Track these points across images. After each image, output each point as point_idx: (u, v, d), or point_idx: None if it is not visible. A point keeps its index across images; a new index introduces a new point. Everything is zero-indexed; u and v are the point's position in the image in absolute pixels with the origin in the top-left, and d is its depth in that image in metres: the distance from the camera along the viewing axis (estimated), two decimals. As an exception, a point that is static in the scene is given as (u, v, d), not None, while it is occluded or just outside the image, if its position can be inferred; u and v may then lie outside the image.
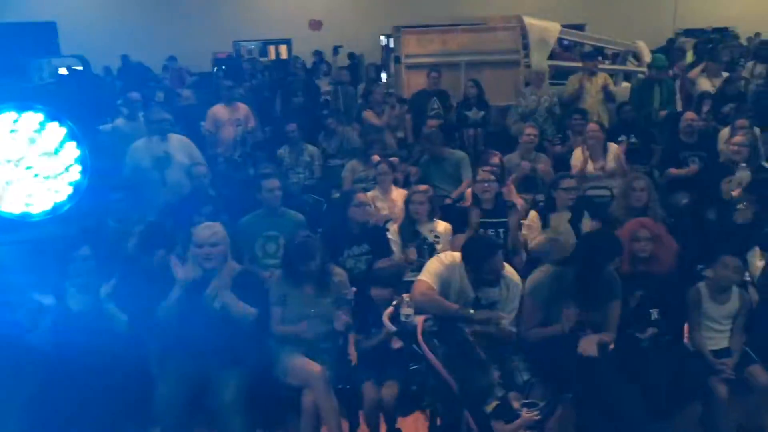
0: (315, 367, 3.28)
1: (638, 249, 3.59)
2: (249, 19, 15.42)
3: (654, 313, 3.47)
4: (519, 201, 5.03)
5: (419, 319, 3.22)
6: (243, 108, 6.93)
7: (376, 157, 5.47)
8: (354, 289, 3.70)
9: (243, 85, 9.40)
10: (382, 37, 14.56)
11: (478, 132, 7.24)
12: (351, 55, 13.89)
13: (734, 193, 4.56)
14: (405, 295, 3.26)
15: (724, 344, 3.42)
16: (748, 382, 3.29)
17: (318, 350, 3.44)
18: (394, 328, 3.21)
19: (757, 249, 4.02)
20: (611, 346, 3.43)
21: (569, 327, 3.18)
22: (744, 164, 5.02)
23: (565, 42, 11.60)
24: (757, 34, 14.27)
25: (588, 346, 3.12)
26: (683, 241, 3.82)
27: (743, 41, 14.22)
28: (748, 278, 3.92)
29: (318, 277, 3.47)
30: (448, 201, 5.51)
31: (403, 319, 3.22)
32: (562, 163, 6.11)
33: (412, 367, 3.39)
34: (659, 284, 3.55)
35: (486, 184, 4.48)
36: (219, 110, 6.78)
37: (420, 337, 3.15)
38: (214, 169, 5.81)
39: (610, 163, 5.71)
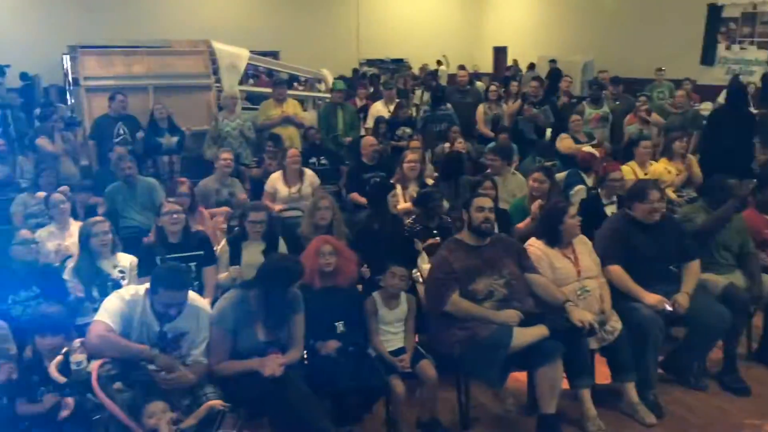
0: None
1: (323, 264, 3.76)
2: None
3: (340, 326, 3.66)
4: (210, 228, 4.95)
5: (94, 365, 2.96)
6: None
7: (41, 194, 4.94)
8: None
9: None
10: (66, 57, 13.33)
11: (174, 159, 7.02)
12: (23, 76, 12.28)
13: (400, 207, 5.08)
14: (76, 341, 2.96)
15: (399, 344, 3.72)
16: (419, 377, 3.64)
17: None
18: (63, 379, 2.89)
19: (424, 254, 4.51)
20: (305, 361, 3.55)
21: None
22: (414, 180, 5.68)
23: (262, 68, 11.92)
24: (425, 65, 16.39)
25: (272, 367, 3.15)
26: (363, 254, 4.11)
27: (415, 71, 16.15)
28: (420, 281, 4.39)
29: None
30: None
31: (74, 367, 2.92)
32: (259, 187, 6.20)
33: (95, 417, 3.08)
34: (343, 298, 3.76)
35: (174, 216, 4.17)
36: None
37: (95, 385, 2.89)
38: None
39: (306, 188, 5.97)
